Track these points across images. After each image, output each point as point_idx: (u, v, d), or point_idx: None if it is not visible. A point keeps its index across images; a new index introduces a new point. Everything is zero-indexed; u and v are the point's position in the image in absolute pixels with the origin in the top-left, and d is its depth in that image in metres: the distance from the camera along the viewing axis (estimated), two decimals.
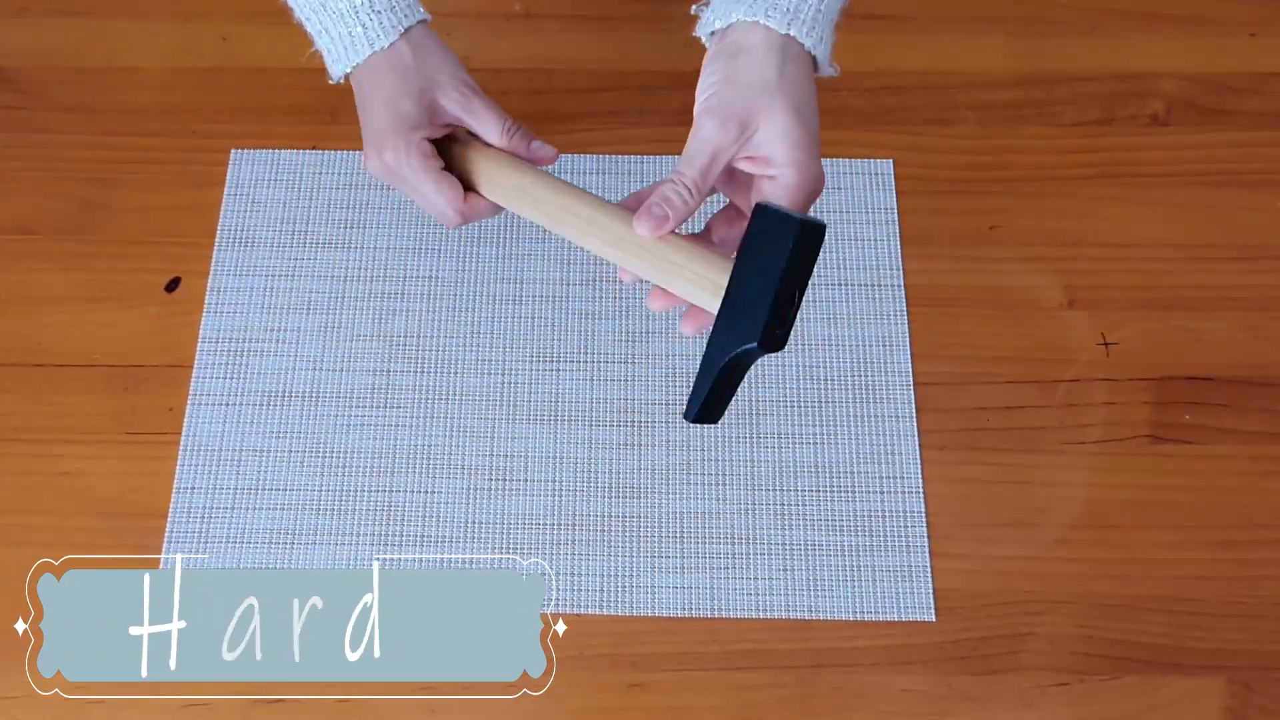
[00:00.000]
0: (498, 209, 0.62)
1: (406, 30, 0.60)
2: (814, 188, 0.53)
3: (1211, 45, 0.83)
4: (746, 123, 0.52)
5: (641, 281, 0.56)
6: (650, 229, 0.53)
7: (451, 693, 0.64)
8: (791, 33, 0.52)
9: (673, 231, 0.53)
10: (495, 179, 0.61)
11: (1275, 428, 0.71)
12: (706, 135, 0.52)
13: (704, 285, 0.52)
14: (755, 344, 0.49)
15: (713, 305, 0.52)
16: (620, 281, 0.59)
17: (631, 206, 0.55)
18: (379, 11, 0.60)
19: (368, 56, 0.60)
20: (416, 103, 0.60)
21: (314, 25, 0.61)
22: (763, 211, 0.51)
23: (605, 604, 0.66)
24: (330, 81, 0.63)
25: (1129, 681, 0.64)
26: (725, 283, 0.51)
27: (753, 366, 0.72)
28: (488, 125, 0.61)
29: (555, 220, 0.58)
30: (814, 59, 0.54)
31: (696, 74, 0.82)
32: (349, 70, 0.61)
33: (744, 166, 0.53)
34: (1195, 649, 0.65)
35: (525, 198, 0.59)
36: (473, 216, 0.62)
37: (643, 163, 0.79)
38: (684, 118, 0.80)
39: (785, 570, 0.67)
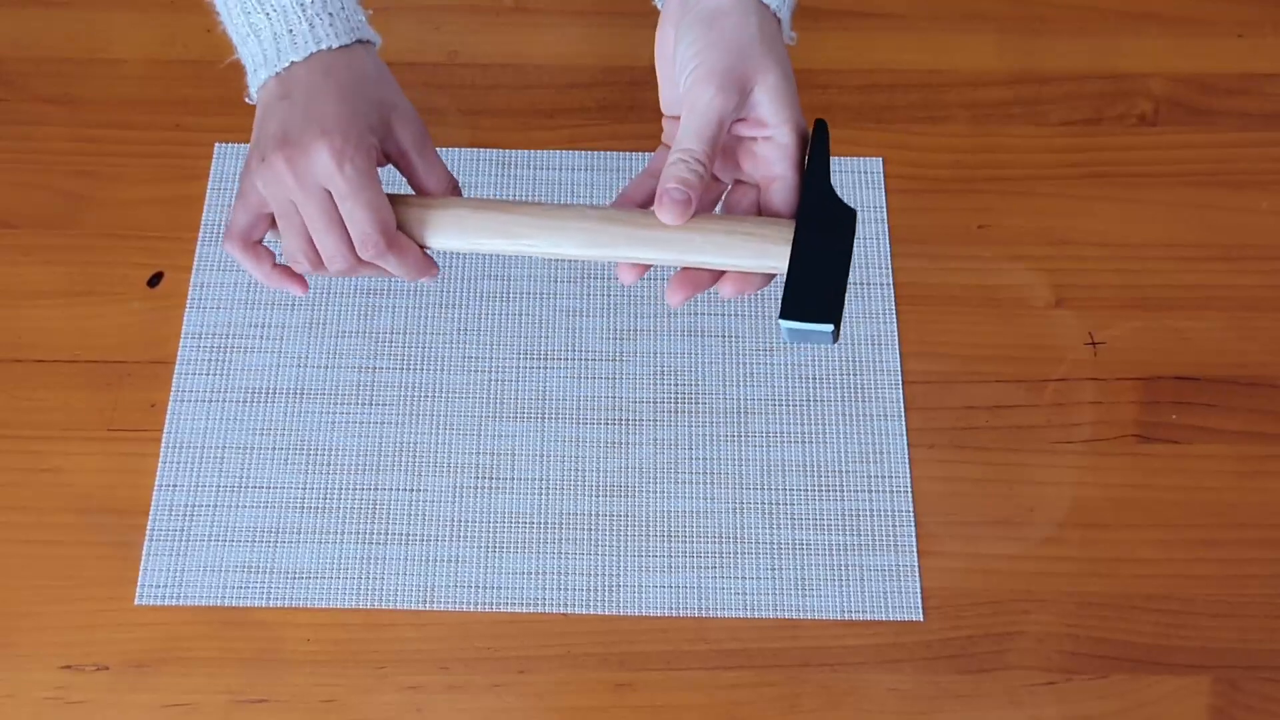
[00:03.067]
0: (426, 260, 0.54)
1: (360, 42, 0.54)
2: (805, 146, 0.52)
3: (1200, 46, 0.84)
4: (744, 85, 0.50)
5: (645, 277, 0.54)
6: (676, 215, 0.50)
7: (439, 691, 0.63)
8: None
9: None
10: (454, 220, 0.53)
11: (1261, 427, 0.71)
12: (708, 104, 0.49)
13: (765, 251, 0.50)
14: (833, 327, 0.48)
15: (775, 266, 0.50)
16: (618, 280, 0.56)
17: (636, 199, 0.53)
18: (332, 14, 0.53)
19: (310, 55, 0.52)
20: (375, 111, 0.53)
21: (240, 27, 0.54)
22: (818, 192, 0.50)
23: (592, 603, 0.66)
24: (247, 96, 0.54)
25: (1116, 680, 0.64)
26: (786, 244, 0.49)
27: (740, 364, 0.72)
28: (437, 174, 0.55)
29: (554, 241, 0.52)
30: (779, 21, 0.53)
31: None
32: (282, 68, 0.53)
33: (740, 130, 0.52)
34: (1182, 648, 0.65)
35: (498, 227, 0.52)
36: (397, 254, 0.53)
37: (632, 159, 0.79)
38: None
39: (773, 569, 0.67)
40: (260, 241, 0.55)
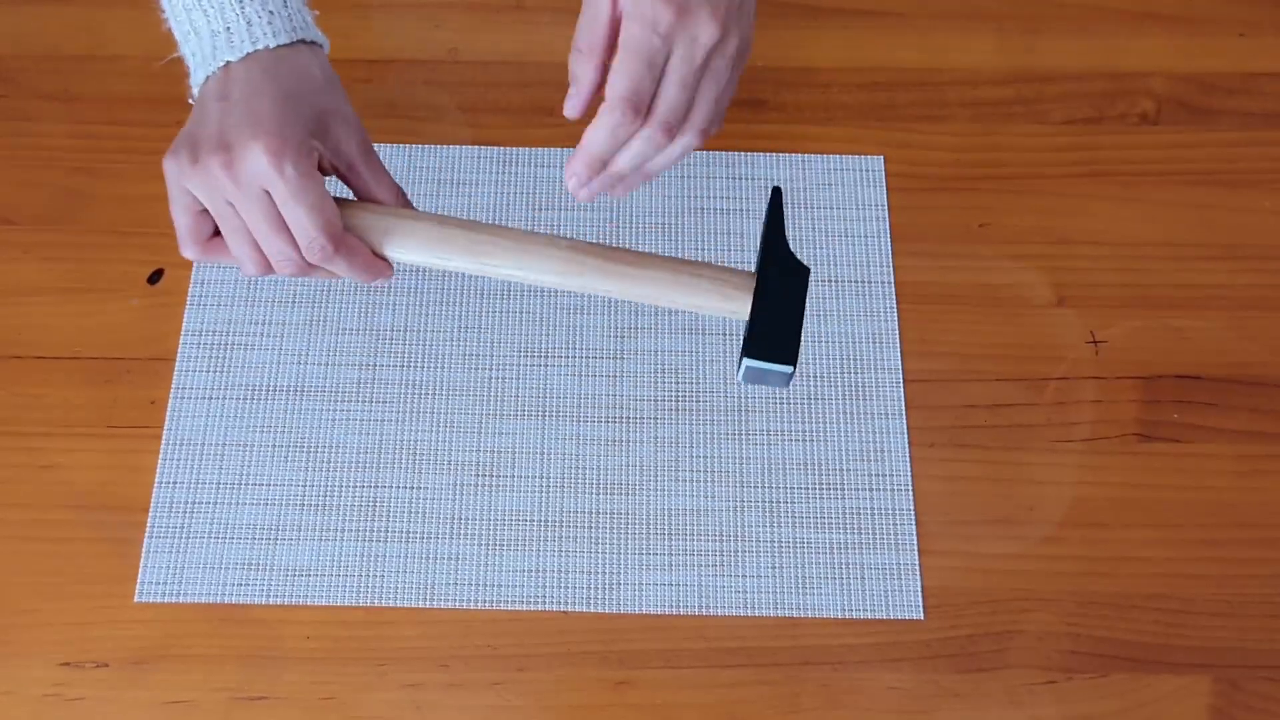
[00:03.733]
0: (376, 262, 0.53)
1: (298, 43, 0.52)
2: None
3: (1201, 45, 0.84)
4: None
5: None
6: (573, 109, 0.51)
7: (438, 689, 0.63)
8: None
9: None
10: (408, 230, 0.52)
11: (1261, 426, 0.71)
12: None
13: (728, 296, 0.53)
14: (791, 369, 0.52)
15: (735, 310, 0.53)
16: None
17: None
18: (272, 13, 0.51)
19: (247, 54, 0.50)
20: (316, 115, 0.51)
21: (182, 25, 0.52)
22: (778, 249, 0.53)
23: (592, 601, 0.66)
24: (190, 97, 0.53)
25: (1116, 679, 0.64)
26: (748, 291, 0.53)
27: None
28: (385, 184, 0.53)
29: (521, 265, 0.52)
30: None
31: None
32: (218, 67, 0.51)
33: None
34: (1182, 647, 0.65)
35: (464, 244, 0.52)
36: (345, 256, 0.51)
37: None
38: None
39: (773, 568, 0.67)
40: (216, 236, 0.52)
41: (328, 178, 0.53)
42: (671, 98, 0.49)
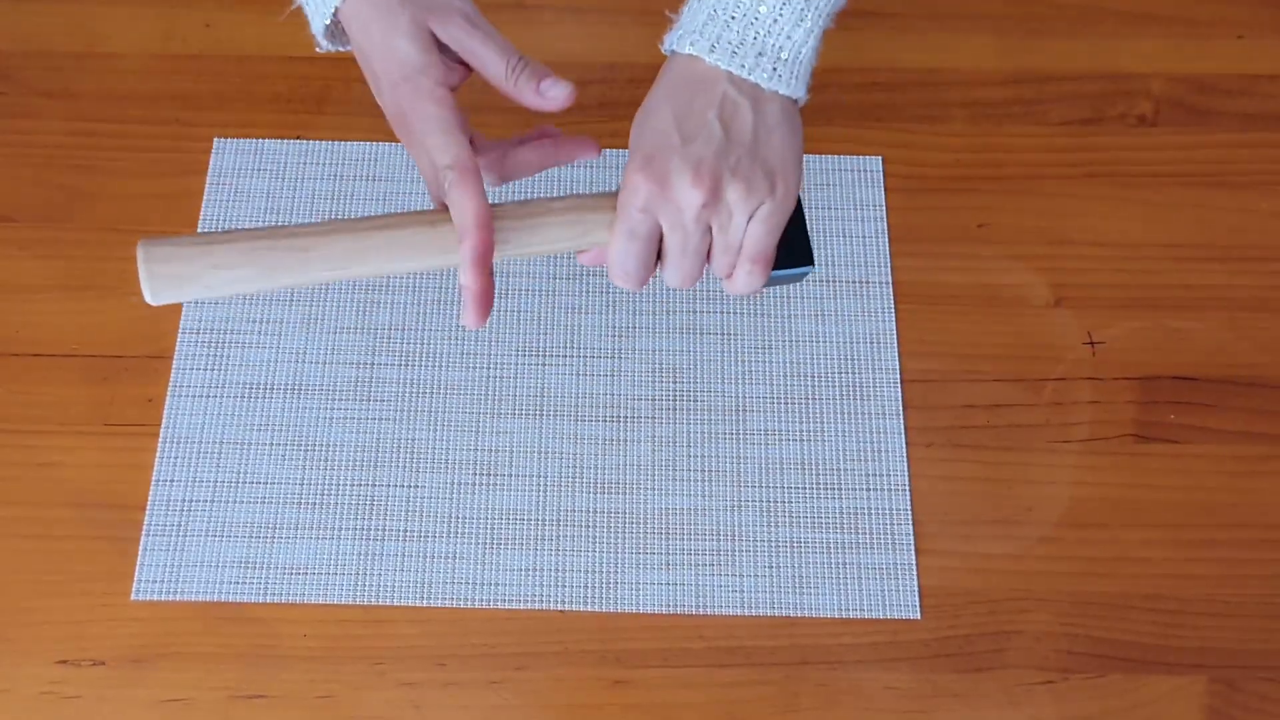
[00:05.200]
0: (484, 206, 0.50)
1: None
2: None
3: (1200, 46, 0.84)
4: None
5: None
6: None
7: (436, 688, 0.63)
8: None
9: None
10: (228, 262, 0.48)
11: (1259, 428, 0.71)
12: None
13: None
14: (811, 266, 0.53)
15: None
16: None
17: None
18: None
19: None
20: (414, 41, 0.50)
21: None
22: None
23: (590, 600, 0.66)
24: (318, 48, 0.54)
25: (1113, 680, 0.64)
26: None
27: (739, 362, 0.72)
28: (488, 60, 0.52)
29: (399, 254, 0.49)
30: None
31: None
32: (331, 12, 0.51)
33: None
34: (1179, 647, 0.65)
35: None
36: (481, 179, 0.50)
37: None
38: None
39: (771, 567, 0.67)
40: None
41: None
42: (668, 270, 0.50)
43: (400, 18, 0.50)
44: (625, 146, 0.78)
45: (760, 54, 0.48)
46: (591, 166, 0.78)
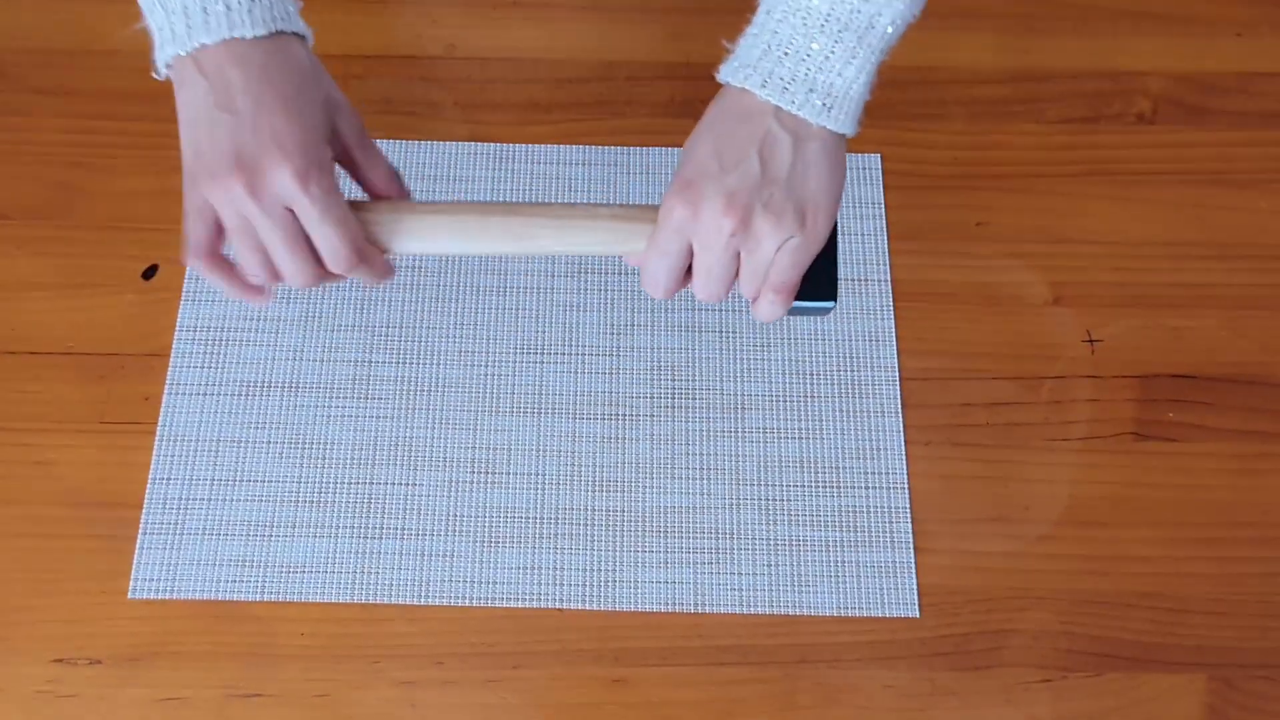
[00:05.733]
0: (389, 270, 0.54)
1: (281, 33, 0.50)
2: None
3: (1198, 45, 0.84)
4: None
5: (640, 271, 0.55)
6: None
7: (433, 686, 0.63)
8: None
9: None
10: (405, 223, 0.53)
11: (1257, 426, 0.71)
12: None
13: None
14: (833, 302, 0.54)
15: None
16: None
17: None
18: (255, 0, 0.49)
19: (223, 40, 0.49)
20: (322, 116, 0.51)
21: None
22: None
23: (588, 598, 0.66)
24: (154, 73, 0.52)
25: (1111, 678, 0.64)
26: None
27: (737, 360, 0.72)
28: (381, 167, 0.54)
29: (521, 236, 0.53)
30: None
31: (682, 66, 0.82)
32: (190, 50, 0.49)
33: None
34: (1177, 646, 0.65)
35: (459, 227, 0.53)
36: (364, 263, 0.52)
37: (629, 154, 0.78)
38: (671, 109, 0.80)
39: (769, 565, 0.67)
40: (222, 253, 0.52)
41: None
42: (697, 285, 0.53)
43: (317, 92, 0.51)
44: (624, 144, 0.79)
45: (811, 90, 0.49)
46: (590, 165, 0.78)
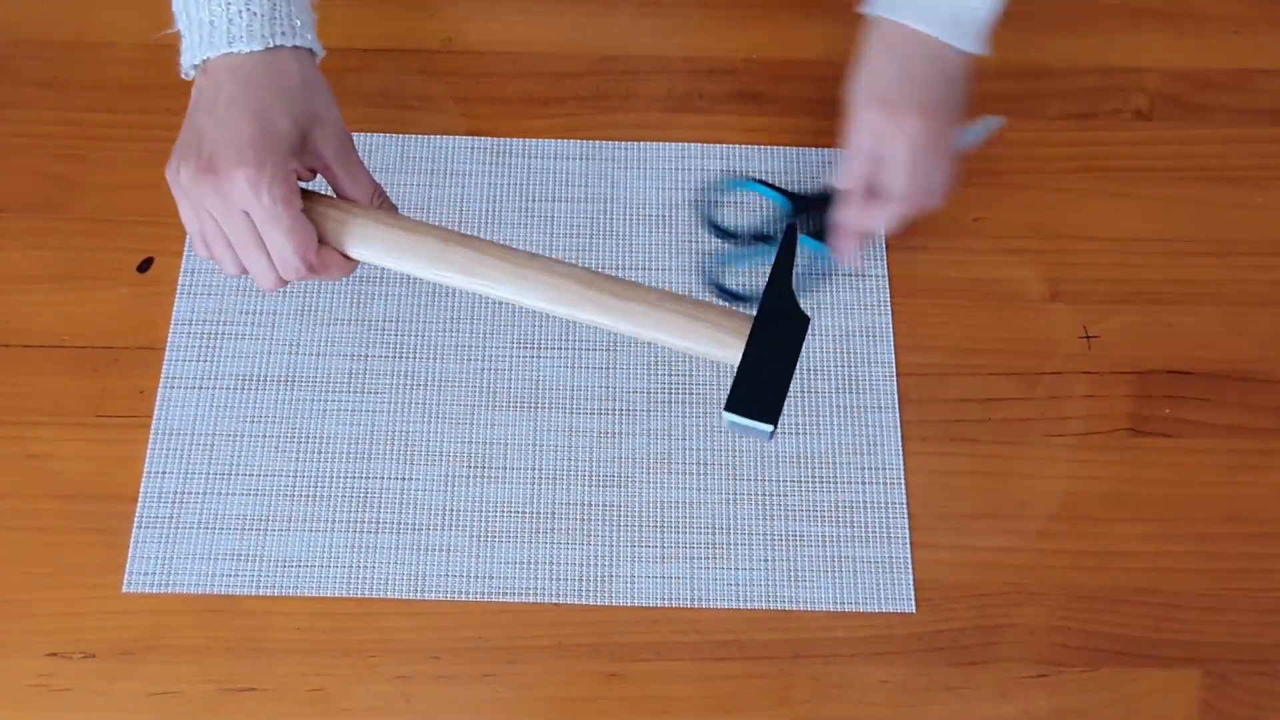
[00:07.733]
0: (349, 267, 0.55)
1: (279, 48, 0.53)
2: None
3: (1195, 42, 0.84)
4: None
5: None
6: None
7: (428, 681, 0.63)
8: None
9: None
10: (378, 236, 0.54)
11: (1253, 422, 0.71)
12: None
13: (721, 342, 0.52)
14: (772, 428, 0.51)
15: (726, 358, 0.52)
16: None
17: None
18: (254, 14, 0.52)
19: (222, 54, 0.53)
20: (295, 127, 0.53)
21: (176, 3, 0.55)
22: (780, 295, 0.52)
23: (584, 593, 0.66)
24: (183, 72, 0.55)
25: (1107, 673, 0.64)
26: (741, 340, 0.51)
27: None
28: (360, 184, 0.55)
29: (518, 290, 0.52)
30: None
31: (680, 60, 0.82)
32: (200, 61, 0.54)
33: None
34: (1172, 641, 0.65)
35: (427, 254, 0.53)
36: (320, 273, 0.54)
37: (626, 148, 0.78)
38: (668, 104, 0.80)
39: (765, 561, 0.67)
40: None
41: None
42: (891, 183, 0.66)
43: (295, 105, 0.53)
44: (616, 138, 0.79)
45: (955, 20, 0.64)
46: (586, 160, 0.78)
